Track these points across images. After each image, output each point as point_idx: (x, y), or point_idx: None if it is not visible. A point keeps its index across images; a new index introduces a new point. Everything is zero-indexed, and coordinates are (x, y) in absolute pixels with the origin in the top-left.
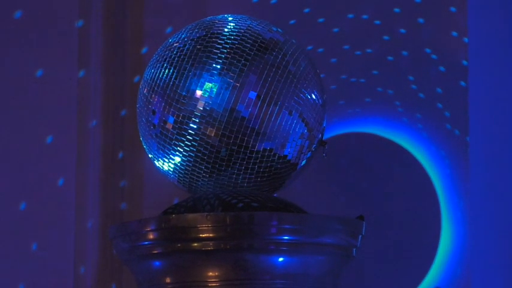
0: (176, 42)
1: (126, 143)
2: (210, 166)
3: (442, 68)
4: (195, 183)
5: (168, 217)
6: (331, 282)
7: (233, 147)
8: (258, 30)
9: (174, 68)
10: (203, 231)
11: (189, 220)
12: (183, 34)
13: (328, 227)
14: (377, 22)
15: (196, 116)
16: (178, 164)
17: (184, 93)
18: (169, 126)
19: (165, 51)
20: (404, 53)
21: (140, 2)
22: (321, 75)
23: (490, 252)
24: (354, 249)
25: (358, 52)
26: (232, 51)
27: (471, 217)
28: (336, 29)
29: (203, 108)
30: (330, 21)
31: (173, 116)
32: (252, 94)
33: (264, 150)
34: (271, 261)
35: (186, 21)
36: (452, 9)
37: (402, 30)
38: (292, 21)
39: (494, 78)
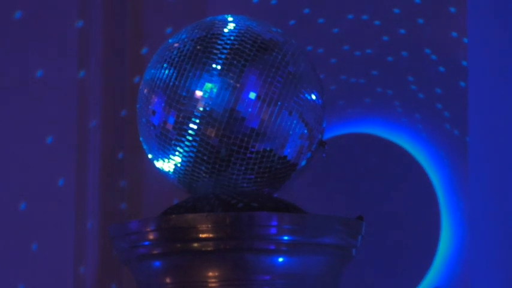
0: (176, 43)
1: (126, 144)
2: (210, 166)
3: (441, 69)
4: (195, 183)
5: (168, 217)
6: (331, 282)
7: (233, 148)
8: (257, 30)
9: (174, 69)
10: (203, 232)
11: (189, 220)
12: (183, 34)
13: (327, 227)
14: (377, 23)
15: (196, 117)
16: (178, 165)
17: (184, 94)
18: (169, 126)
19: (165, 52)
20: (404, 53)
21: (140, 2)
22: (321, 76)
23: (489, 252)
24: (354, 250)
25: (357, 53)
26: (232, 52)
27: (470, 217)
28: (335, 30)
29: (203, 108)
30: (330, 22)
31: (173, 117)
32: (252, 95)
33: (264, 150)
34: (271, 262)
35: (186, 21)
36: (452, 9)
37: (402, 31)
38: (292, 22)
39: (493, 79)
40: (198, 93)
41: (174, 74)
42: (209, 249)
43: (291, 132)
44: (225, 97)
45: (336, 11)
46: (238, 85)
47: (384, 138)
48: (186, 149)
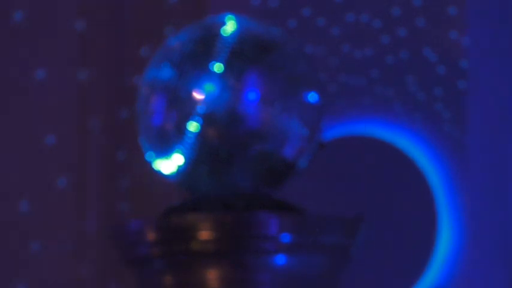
0: (177, 43)
1: (127, 144)
2: (210, 167)
3: (441, 69)
4: (195, 183)
5: (168, 217)
6: (331, 282)
7: (233, 148)
8: (258, 31)
9: (175, 69)
10: (203, 232)
11: (189, 220)
12: (183, 35)
13: (327, 227)
14: (376, 23)
15: (196, 117)
16: (179, 165)
17: (184, 94)
18: (169, 127)
19: (166, 52)
20: (404, 54)
21: (140, 2)
22: (321, 77)
23: (489, 252)
24: (353, 249)
25: (357, 53)
26: (232, 53)
27: (470, 218)
28: (335, 30)
29: (203, 109)
30: (330, 23)
31: (173, 117)
32: (252, 95)
33: (264, 151)
34: (271, 261)
35: (186, 21)
36: (452, 9)
37: (402, 31)
38: (292, 23)
39: (494, 79)
40: (198, 93)
41: (175, 75)
42: (209, 249)
43: (290, 133)
44: (225, 98)
45: (336, 11)
46: (238, 86)
47: (383, 138)
48: (186, 149)
